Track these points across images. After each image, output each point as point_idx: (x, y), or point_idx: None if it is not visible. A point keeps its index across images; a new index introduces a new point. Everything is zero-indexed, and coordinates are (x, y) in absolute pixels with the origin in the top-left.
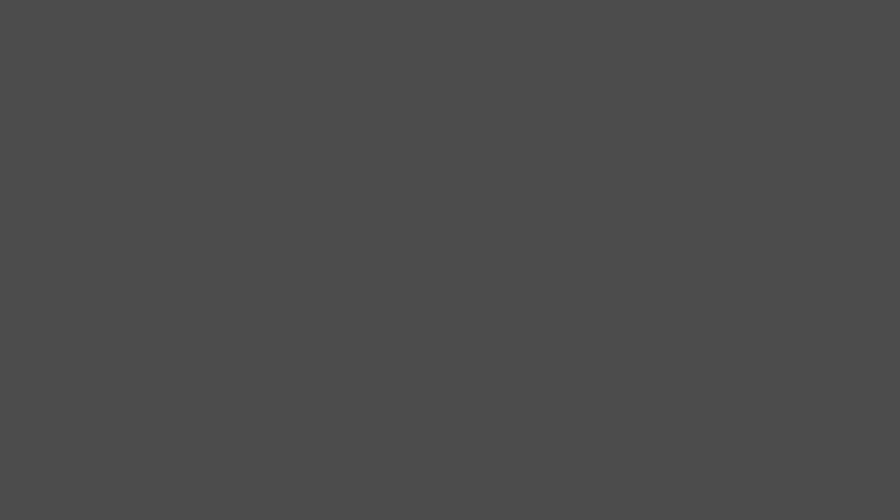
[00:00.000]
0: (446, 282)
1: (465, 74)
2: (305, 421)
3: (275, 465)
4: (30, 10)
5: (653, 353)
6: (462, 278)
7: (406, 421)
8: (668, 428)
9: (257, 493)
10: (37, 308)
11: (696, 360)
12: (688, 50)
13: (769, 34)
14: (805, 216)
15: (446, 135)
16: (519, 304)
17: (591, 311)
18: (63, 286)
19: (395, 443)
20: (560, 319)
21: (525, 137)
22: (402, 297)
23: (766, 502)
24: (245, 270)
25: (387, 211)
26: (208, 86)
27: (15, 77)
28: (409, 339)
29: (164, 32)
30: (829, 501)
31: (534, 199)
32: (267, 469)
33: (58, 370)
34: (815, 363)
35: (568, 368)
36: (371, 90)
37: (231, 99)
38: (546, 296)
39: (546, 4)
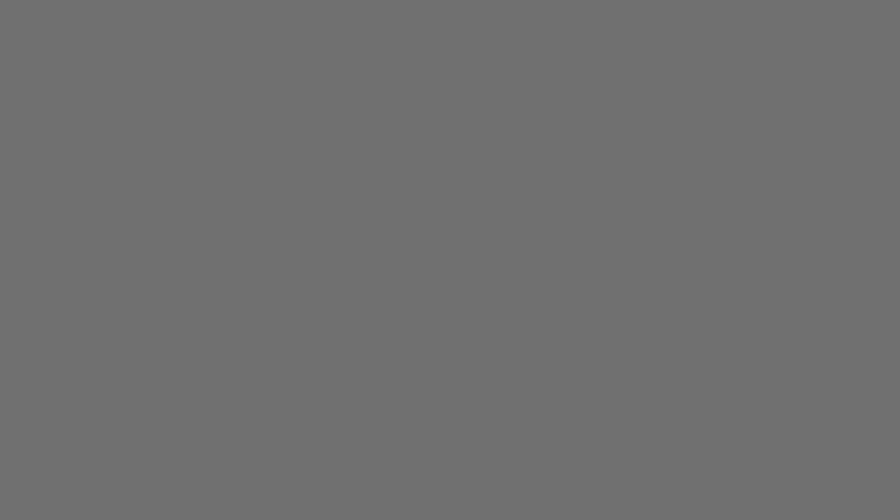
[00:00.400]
0: (446, 282)
1: (465, 74)
2: (305, 421)
3: (275, 465)
4: (30, 10)
5: (653, 353)
6: (462, 278)
7: (406, 421)
8: (668, 428)
9: (257, 493)
10: (37, 308)
11: (696, 361)
12: (688, 50)
13: (769, 34)
14: (805, 216)
15: (446, 135)
16: (519, 304)
17: (591, 311)
18: (63, 286)
19: (396, 443)
20: (560, 319)
21: (525, 137)
22: (402, 298)
23: (766, 502)
24: (245, 270)
25: (387, 211)
26: (208, 86)
27: (15, 77)
28: (410, 339)
29: (164, 32)
30: (829, 501)
31: (534, 199)
32: (267, 469)
33: (58, 370)
34: (815, 363)
35: (568, 368)
36: (371, 90)
37: (231, 99)
38: (546, 296)
39: (546, 4)
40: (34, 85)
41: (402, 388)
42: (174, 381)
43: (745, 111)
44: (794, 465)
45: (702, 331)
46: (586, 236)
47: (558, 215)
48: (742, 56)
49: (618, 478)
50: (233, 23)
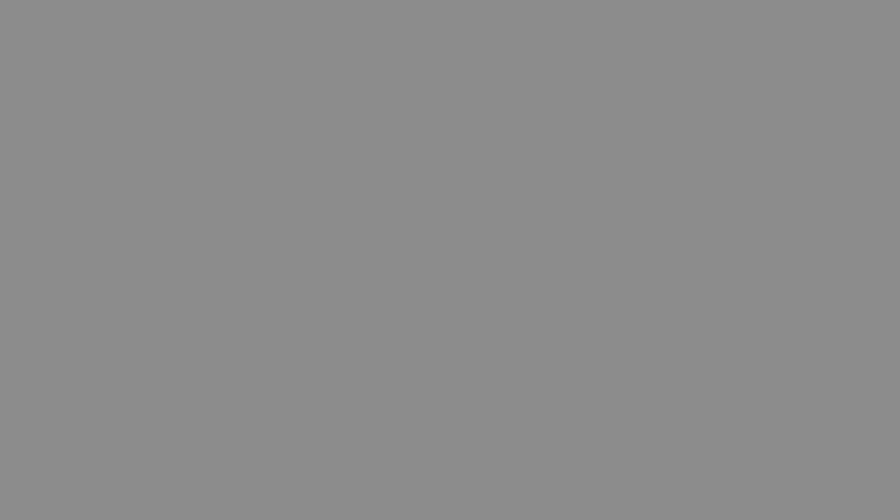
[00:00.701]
0: (446, 282)
1: (465, 74)
2: (305, 421)
3: (275, 465)
4: (30, 10)
5: (653, 353)
6: (462, 278)
7: (406, 421)
8: (668, 428)
9: (257, 493)
10: (37, 308)
11: (697, 361)
12: (688, 50)
13: (769, 34)
14: (805, 216)
15: (446, 135)
16: (519, 304)
17: (591, 311)
18: (63, 286)
19: (396, 443)
20: (560, 319)
21: (525, 137)
22: (402, 298)
23: (766, 502)
24: (245, 270)
25: (387, 211)
26: (208, 86)
27: (15, 77)
28: (409, 339)
29: (165, 32)
30: (829, 501)
31: (534, 199)
32: (267, 469)
33: (58, 370)
34: (814, 364)
35: (567, 368)
36: (371, 90)
37: (231, 99)
38: (546, 296)
39: (546, 5)
40: (34, 85)
41: (402, 389)
42: (174, 381)
43: (745, 111)
44: (794, 465)
45: (702, 331)
46: (586, 237)
47: (558, 216)
48: (742, 56)
49: (618, 478)
50: (233, 23)
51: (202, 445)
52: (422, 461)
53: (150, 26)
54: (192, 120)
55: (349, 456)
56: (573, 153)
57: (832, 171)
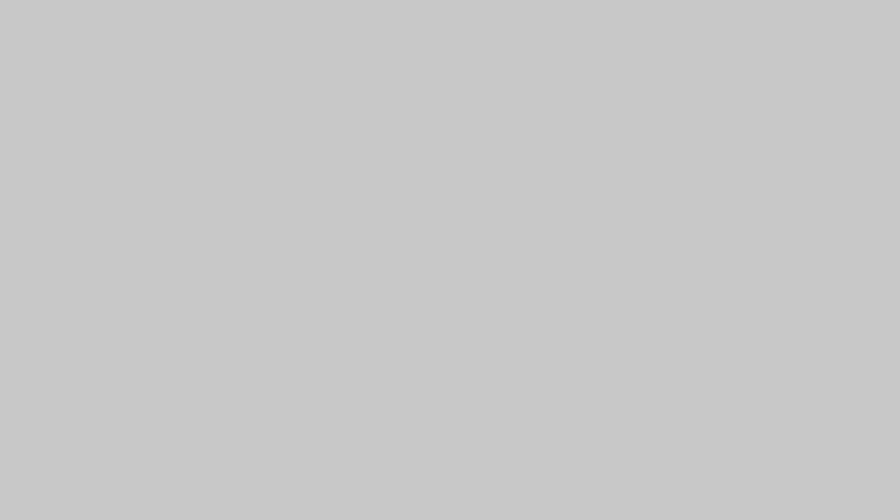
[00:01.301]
0: (446, 282)
1: (465, 74)
2: (306, 421)
3: (275, 465)
4: (30, 10)
5: (653, 353)
6: (462, 279)
7: (406, 421)
8: (668, 428)
9: (257, 493)
10: (37, 308)
11: (696, 361)
12: (688, 50)
13: (769, 34)
14: (805, 216)
15: (447, 136)
16: (519, 305)
17: (591, 311)
18: (63, 286)
19: (396, 443)
20: (560, 319)
21: (525, 138)
22: (403, 298)
23: (766, 502)
24: (245, 271)
25: (387, 211)
26: (208, 86)
27: (15, 77)
28: (410, 339)
29: (165, 32)
30: (828, 501)
31: (534, 199)
32: (267, 469)
33: (58, 370)
34: (814, 363)
35: (568, 368)
36: (371, 90)
37: (231, 99)
38: (546, 296)
39: (546, 5)
40: (34, 85)
41: (403, 389)
42: (175, 381)
43: (745, 111)
44: (793, 465)
45: (701, 331)
46: (586, 237)
47: (558, 216)
48: (742, 56)
49: (618, 478)
50: (233, 23)
51: (202, 446)
52: (422, 461)
53: (150, 26)
54: (192, 120)
55: (350, 456)
56: (573, 154)
57: (832, 171)
